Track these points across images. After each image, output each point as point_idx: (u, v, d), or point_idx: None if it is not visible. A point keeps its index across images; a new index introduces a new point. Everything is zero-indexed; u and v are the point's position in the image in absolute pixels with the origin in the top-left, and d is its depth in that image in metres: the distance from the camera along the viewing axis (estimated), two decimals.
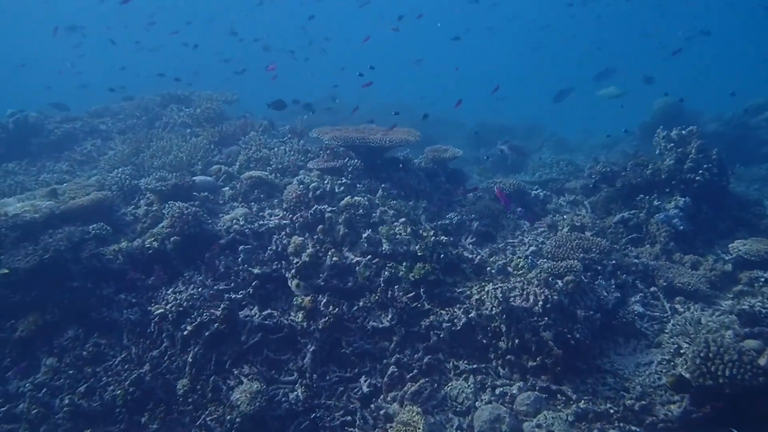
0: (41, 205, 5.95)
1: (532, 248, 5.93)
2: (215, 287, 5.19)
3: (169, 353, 4.79)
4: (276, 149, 7.97)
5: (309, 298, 4.92)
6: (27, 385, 4.93)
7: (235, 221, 5.75)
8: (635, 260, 5.95)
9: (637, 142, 14.85)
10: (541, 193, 8.41)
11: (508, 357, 4.57)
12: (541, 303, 4.67)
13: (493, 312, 4.77)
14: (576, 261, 5.39)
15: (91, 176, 8.18)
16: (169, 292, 5.22)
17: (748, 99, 14.42)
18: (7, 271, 5.68)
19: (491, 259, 5.83)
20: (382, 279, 5.27)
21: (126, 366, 4.85)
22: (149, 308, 5.11)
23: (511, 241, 6.53)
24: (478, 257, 5.65)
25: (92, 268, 5.32)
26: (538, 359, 4.47)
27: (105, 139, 10.33)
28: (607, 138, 15.14)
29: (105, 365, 4.93)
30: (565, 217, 7.41)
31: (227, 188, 6.93)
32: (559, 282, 4.96)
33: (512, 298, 4.71)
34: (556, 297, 4.75)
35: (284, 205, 6.15)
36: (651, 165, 7.09)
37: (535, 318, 4.63)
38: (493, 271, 5.48)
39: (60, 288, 5.36)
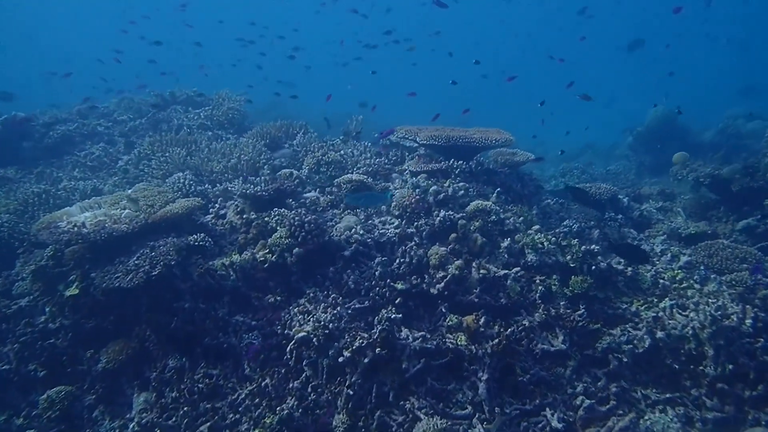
0: (121, 215, 5.14)
1: (685, 258, 5.32)
2: (350, 306, 4.43)
3: (313, 384, 4.00)
4: (344, 151, 7.25)
5: (472, 317, 4.21)
6: (133, 426, 4.08)
7: (354, 231, 5.02)
8: None
9: (628, 152, 14.70)
10: (625, 200, 7.86)
11: (719, 385, 3.91)
12: (750, 321, 4.05)
13: (687, 332, 4.13)
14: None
15: (115, 182, 7.43)
16: (295, 312, 4.44)
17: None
18: (76, 292, 4.87)
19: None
20: (537, 294, 4.61)
21: (257, 400, 4.04)
22: (276, 330, 4.33)
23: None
24: (630, 269, 5.02)
25: (205, 286, 4.51)
26: (759, 388, 3.83)
27: (108, 143, 9.38)
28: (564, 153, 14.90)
29: (229, 400, 4.10)
30: (671, 222, 6.90)
31: (312, 194, 6.16)
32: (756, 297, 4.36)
33: (723, 318, 4.07)
34: (762, 314, 4.13)
35: (396, 212, 5.44)
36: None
37: (747, 339, 4.00)
38: (660, 282, 4.86)
39: (159, 310, 4.54)
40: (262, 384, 4.10)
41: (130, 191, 6.13)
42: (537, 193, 6.92)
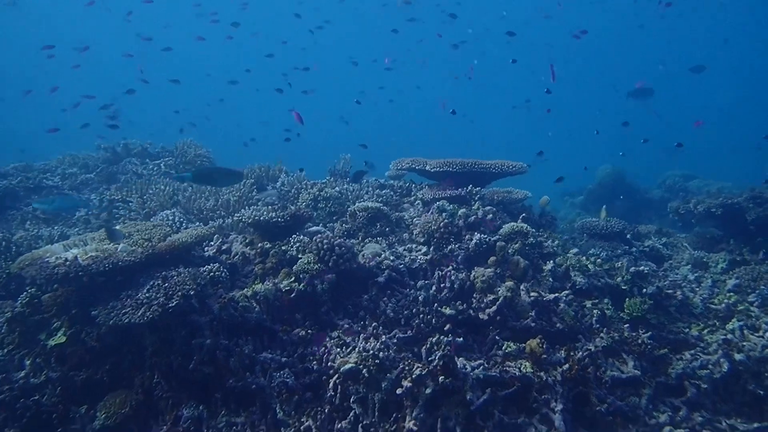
0: (116, 249, 4.53)
1: (733, 281, 5.04)
2: (394, 336, 3.91)
3: (364, 423, 3.41)
4: (340, 188, 6.86)
5: (536, 341, 3.75)
6: None
7: (383, 256, 4.56)
8: None
9: (579, 210, 14.90)
10: (628, 236, 7.68)
11: None
12: None
13: None
14: None
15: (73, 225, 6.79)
16: (331, 345, 3.88)
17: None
18: (63, 339, 4.22)
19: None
20: (594, 319, 4.20)
21: None
22: (310, 367, 3.76)
23: (674, 278, 5.64)
24: (680, 293, 4.69)
25: (228, 319, 3.91)
26: None
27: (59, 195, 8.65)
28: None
29: None
30: (689, 254, 6.72)
31: (317, 228, 5.68)
32: None
33: None
34: None
35: (421, 239, 5.01)
36: None
37: None
38: (713, 307, 4.54)
39: (170, 351, 3.90)
40: (302, 428, 3.48)
41: (119, 227, 5.54)
42: (552, 224, 6.63)
